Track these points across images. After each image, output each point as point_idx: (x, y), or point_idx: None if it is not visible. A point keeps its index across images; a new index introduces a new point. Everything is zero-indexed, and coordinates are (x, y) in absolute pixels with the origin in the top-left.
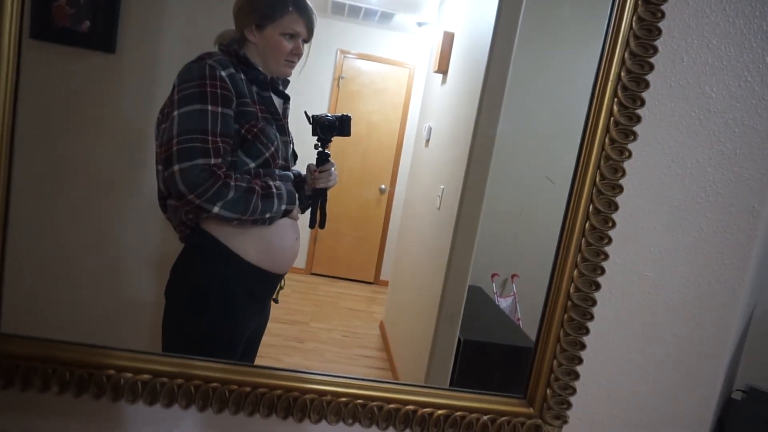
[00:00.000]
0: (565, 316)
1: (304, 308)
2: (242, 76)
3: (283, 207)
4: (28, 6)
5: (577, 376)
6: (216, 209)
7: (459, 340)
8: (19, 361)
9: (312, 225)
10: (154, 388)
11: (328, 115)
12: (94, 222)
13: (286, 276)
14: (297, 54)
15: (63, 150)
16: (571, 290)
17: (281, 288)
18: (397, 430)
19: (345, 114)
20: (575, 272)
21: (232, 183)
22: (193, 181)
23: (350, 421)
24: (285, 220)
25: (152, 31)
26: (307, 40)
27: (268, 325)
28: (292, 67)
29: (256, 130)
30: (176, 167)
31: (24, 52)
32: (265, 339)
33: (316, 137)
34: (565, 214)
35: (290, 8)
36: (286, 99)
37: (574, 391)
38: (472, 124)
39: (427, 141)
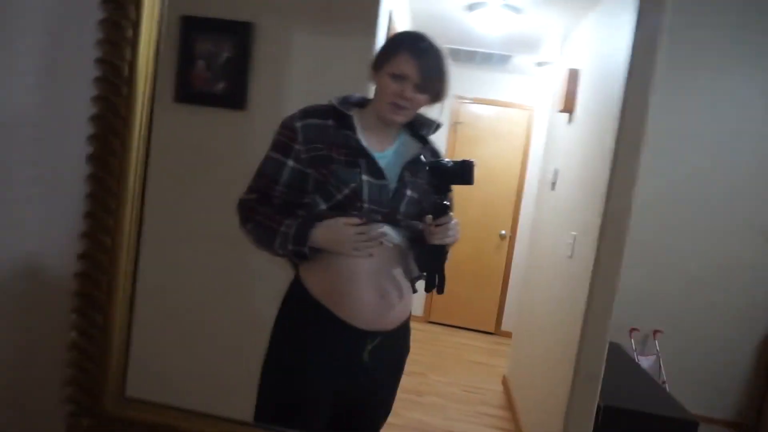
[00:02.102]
0: None
1: (423, 359)
2: (329, 122)
3: (290, 247)
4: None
5: None
6: (246, 227)
7: (598, 405)
8: (143, 429)
9: (428, 289)
10: None
11: (447, 160)
12: (222, 280)
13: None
14: (401, 96)
15: (200, 201)
16: None
17: (371, 348)
18: None
19: (467, 159)
20: None
21: (258, 217)
22: (239, 207)
23: None
24: (361, 268)
25: (279, 88)
26: (421, 86)
27: None
28: (398, 113)
29: (325, 171)
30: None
31: (170, 114)
32: None
33: (433, 186)
34: None
35: (402, 49)
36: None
37: None
38: (608, 165)
39: (553, 184)
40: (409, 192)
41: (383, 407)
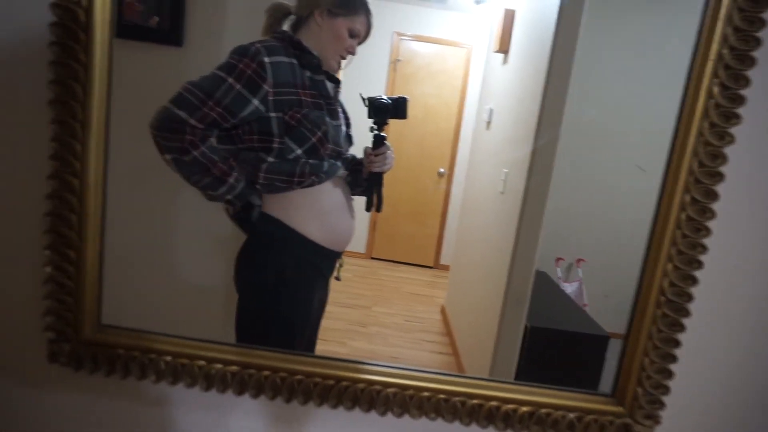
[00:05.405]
0: (658, 311)
1: (366, 293)
2: (294, 61)
3: (228, 197)
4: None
5: (670, 374)
6: (168, 156)
7: (525, 326)
8: (119, 351)
9: (368, 208)
10: (242, 379)
11: (384, 97)
12: (157, 216)
13: (346, 256)
14: (351, 53)
15: (134, 145)
16: (665, 285)
17: (341, 265)
18: (480, 426)
19: (401, 96)
20: (669, 266)
21: (194, 153)
22: (165, 124)
23: (433, 415)
24: (341, 202)
25: (218, 23)
26: (361, 42)
27: (332, 309)
28: (341, 64)
29: (299, 116)
30: (167, 104)
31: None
32: (329, 323)
33: (371, 120)
34: (658, 204)
35: (362, 9)
36: (337, 83)
37: (667, 390)
38: (538, 105)
39: (488, 123)
40: (347, 128)
41: None
